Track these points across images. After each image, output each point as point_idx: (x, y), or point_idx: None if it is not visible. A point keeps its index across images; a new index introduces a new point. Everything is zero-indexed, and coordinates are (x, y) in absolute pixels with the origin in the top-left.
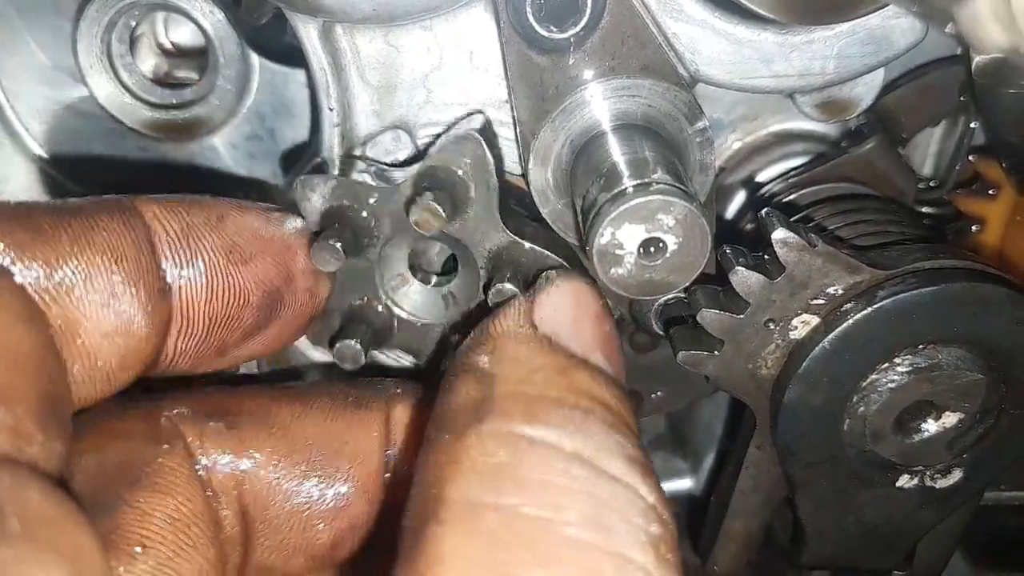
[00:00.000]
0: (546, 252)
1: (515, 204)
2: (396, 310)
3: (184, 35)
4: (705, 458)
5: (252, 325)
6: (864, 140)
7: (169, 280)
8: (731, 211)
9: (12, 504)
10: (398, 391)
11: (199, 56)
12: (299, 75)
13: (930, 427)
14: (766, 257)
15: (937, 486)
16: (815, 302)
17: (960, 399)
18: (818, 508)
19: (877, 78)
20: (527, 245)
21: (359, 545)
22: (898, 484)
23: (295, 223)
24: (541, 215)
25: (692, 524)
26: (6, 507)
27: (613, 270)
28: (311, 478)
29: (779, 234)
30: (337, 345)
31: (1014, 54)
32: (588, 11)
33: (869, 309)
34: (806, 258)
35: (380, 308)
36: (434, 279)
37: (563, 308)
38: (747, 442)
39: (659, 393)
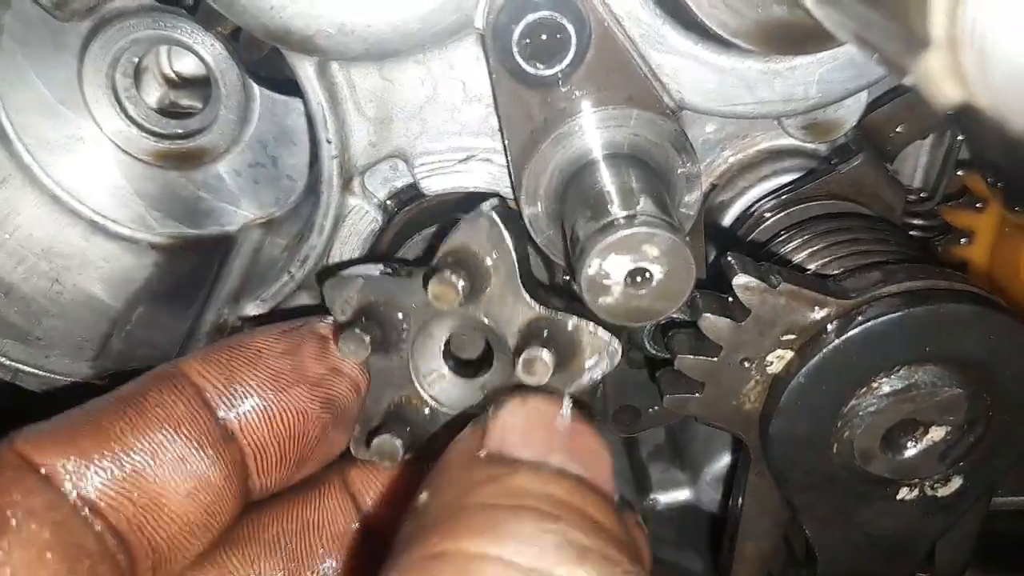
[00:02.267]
0: (577, 318)
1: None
2: (434, 404)
3: (187, 65)
4: (703, 469)
5: (321, 433)
6: (851, 157)
7: (229, 426)
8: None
9: None
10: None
11: (202, 85)
12: (299, 104)
13: (918, 443)
14: (730, 300)
15: (939, 495)
16: (786, 338)
17: (943, 414)
18: (824, 527)
19: (860, 100)
20: (557, 315)
21: None
22: (899, 497)
23: (325, 322)
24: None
25: (712, 541)
26: None
27: (601, 299)
28: (298, 570)
29: (739, 280)
30: (375, 441)
31: (970, 109)
32: (573, 47)
33: (838, 341)
34: (769, 299)
35: (418, 405)
36: (469, 372)
37: (512, 424)
38: (747, 470)
39: (655, 408)
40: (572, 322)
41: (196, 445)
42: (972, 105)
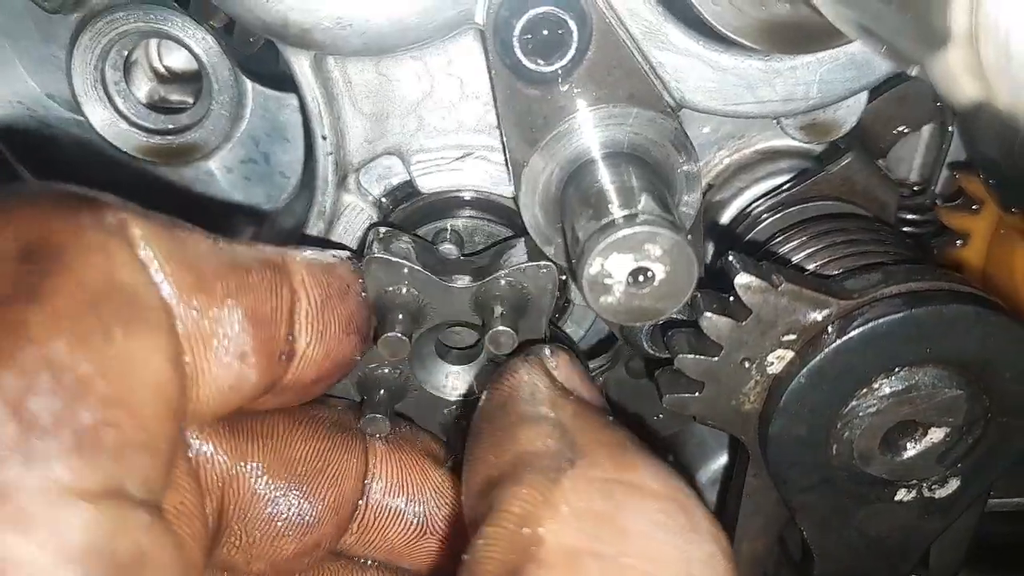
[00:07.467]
0: (503, 272)
1: None
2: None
3: (178, 60)
4: (698, 471)
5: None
6: (840, 156)
7: (296, 349)
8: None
9: None
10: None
11: (194, 80)
12: (292, 99)
13: (917, 445)
14: (731, 300)
15: (936, 496)
16: (787, 338)
17: (943, 415)
18: (820, 528)
19: (860, 100)
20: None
21: (316, 562)
22: (896, 498)
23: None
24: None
25: None
26: None
27: (603, 298)
28: (291, 493)
29: (741, 279)
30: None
31: (988, 105)
32: (574, 44)
33: (838, 341)
34: (771, 299)
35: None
36: (457, 364)
37: (572, 375)
38: (744, 470)
39: (659, 416)
40: (503, 278)
41: (260, 353)
42: (990, 104)
